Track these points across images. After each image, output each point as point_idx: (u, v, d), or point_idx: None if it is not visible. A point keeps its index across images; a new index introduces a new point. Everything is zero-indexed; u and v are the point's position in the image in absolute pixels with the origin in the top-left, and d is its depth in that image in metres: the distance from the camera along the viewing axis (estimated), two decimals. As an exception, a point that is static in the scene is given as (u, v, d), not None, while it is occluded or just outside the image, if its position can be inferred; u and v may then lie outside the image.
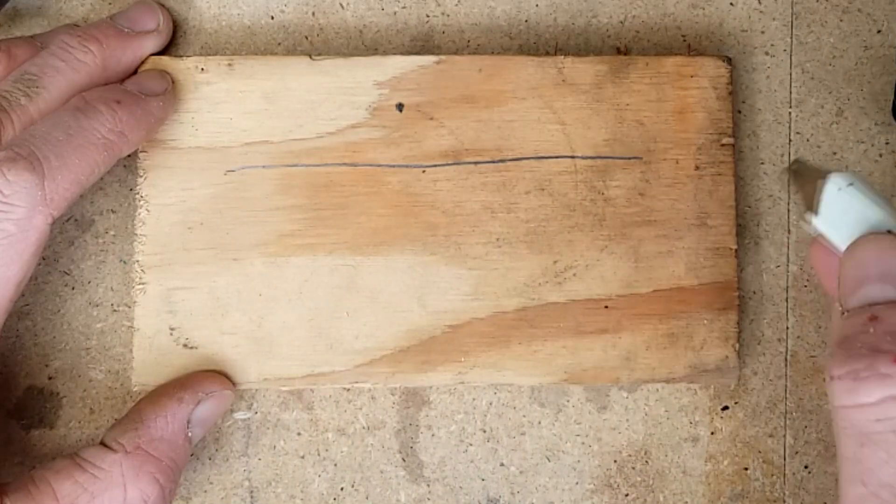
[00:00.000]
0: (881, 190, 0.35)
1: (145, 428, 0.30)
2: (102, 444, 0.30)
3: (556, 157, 0.33)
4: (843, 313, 0.25)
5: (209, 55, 0.34)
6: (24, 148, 0.27)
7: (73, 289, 0.34)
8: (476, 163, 0.33)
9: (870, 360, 0.23)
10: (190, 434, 0.31)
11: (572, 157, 0.33)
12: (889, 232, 0.26)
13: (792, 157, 0.35)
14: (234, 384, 0.32)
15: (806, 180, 0.28)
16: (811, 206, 0.27)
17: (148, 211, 0.33)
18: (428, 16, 0.35)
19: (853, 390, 0.23)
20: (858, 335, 0.24)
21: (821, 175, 0.27)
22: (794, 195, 0.27)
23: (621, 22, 0.35)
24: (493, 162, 0.33)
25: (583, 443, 0.34)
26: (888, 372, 0.23)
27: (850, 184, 0.26)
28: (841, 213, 0.26)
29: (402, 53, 0.35)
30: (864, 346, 0.24)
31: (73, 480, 0.28)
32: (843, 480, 0.24)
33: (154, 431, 0.30)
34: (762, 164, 0.35)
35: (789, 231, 0.35)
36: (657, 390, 0.34)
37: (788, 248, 0.35)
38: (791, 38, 0.35)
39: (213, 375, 0.32)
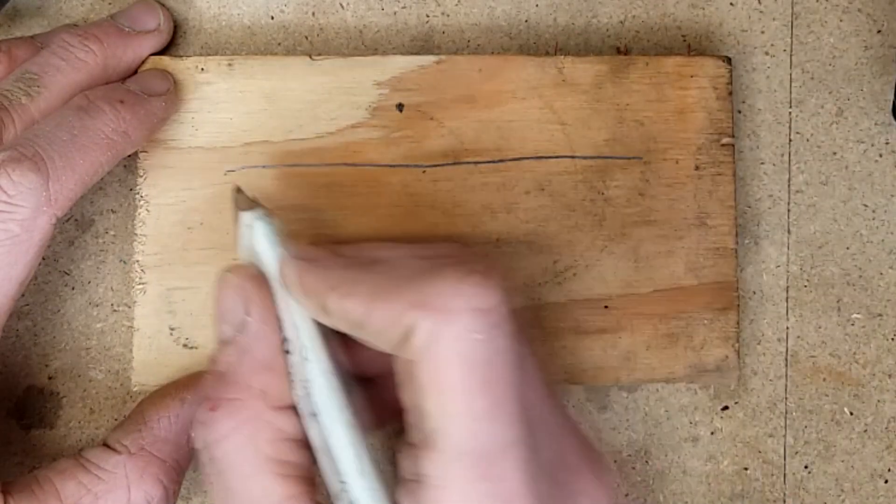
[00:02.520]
0: (881, 190, 0.35)
1: (148, 429, 0.30)
2: (106, 445, 0.30)
3: (556, 157, 0.33)
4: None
5: (209, 55, 0.34)
6: (29, 148, 0.27)
7: (73, 289, 0.34)
8: (476, 163, 0.33)
9: (199, 408, 0.27)
10: (193, 434, 0.31)
11: (572, 157, 0.33)
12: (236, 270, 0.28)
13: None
14: (234, 384, 0.32)
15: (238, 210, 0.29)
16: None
17: (148, 211, 0.33)
18: (428, 16, 0.35)
19: (195, 437, 0.27)
20: (205, 380, 0.27)
21: (243, 208, 0.28)
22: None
23: (621, 22, 0.35)
24: (493, 162, 0.33)
25: (583, 443, 0.34)
26: (204, 419, 0.26)
27: (250, 224, 0.28)
28: (247, 247, 0.28)
29: (402, 53, 0.35)
30: (201, 392, 0.27)
31: (76, 481, 0.28)
32: None
33: (157, 432, 0.30)
34: (762, 164, 0.35)
35: (789, 231, 0.35)
36: (657, 390, 0.34)
37: (788, 248, 0.35)
38: (791, 38, 0.35)
39: (214, 375, 0.32)
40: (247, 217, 0.28)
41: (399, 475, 0.26)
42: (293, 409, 0.27)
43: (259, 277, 0.27)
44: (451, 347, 0.24)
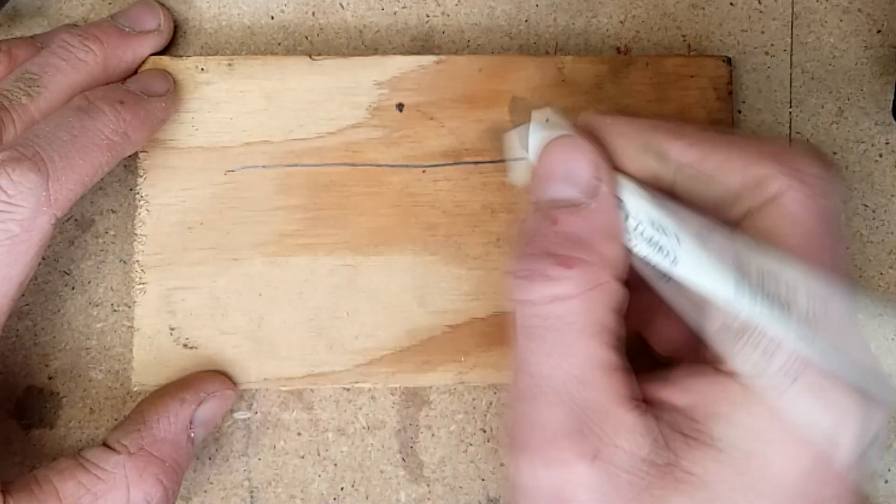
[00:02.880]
0: (881, 190, 0.35)
1: (148, 429, 0.30)
2: (105, 445, 0.30)
3: (557, 157, 0.33)
4: (535, 208, 0.27)
5: (209, 55, 0.34)
6: (29, 148, 0.27)
7: (73, 289, 0.34)
8: (476, 163, 0.33)
9: (543, 261, 0.25)
10: (192, 434, 0.31)
11: (572, 157, 0.33)
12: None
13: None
14: (234, 384, 0.32)
15: (520, 118, 0.29)
16: (525, 145, 0.29)
17: (148, 211, 0.33)
18: (428, 16, 0.35)
19: (524, 288, 0.25)
20: (538, 236, 0.26)
21: (528, 110, 0.28)
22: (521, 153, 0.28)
23: (621, 22, 0.35)
24: (494, 162, 0.33)
25: (583, 443, 0.34)
26: (553, 274, 0.25)
27: (547, 119, 0.28)
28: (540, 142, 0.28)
29: (402, 53, 0.35)
30: (539, 247, 0.26)
31: (76, 481, 0.28)
32: (514, 369, 0.26)
33: (157, 432, 0.30)
34: (762, 164, 0.35)
35: (789, 231, 0.35)
36: (657, 390, 0.34)
37: (788, 248, 0.35)
38: (791, 38, 0.35)
39: (215, 375, 0.32)
40: (539, 114, 0.28)
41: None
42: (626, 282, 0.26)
43: (603, 137, 0.27)
44: (803, 203, 0.25)
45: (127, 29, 0.32)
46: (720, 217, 0.26)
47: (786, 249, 0.24)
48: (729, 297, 0.24)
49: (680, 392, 0.25)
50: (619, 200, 0.26)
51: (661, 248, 0.26)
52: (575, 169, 0.26)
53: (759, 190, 0.25)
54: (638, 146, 0.26)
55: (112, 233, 0.34)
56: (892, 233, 0.35)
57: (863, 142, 0.35)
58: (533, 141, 0.28)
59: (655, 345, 0.30)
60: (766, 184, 0.25)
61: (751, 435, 0.24)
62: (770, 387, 0.24)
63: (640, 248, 0.26)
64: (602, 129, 0.27)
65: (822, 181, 0.25)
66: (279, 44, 0.35)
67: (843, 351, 0.23)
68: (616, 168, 0.27)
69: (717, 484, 0.24)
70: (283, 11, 0.35)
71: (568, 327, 0.25)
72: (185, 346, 0.32)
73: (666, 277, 0.26)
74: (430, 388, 0.34)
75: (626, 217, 0.26)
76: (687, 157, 0.26)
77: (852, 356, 0.23)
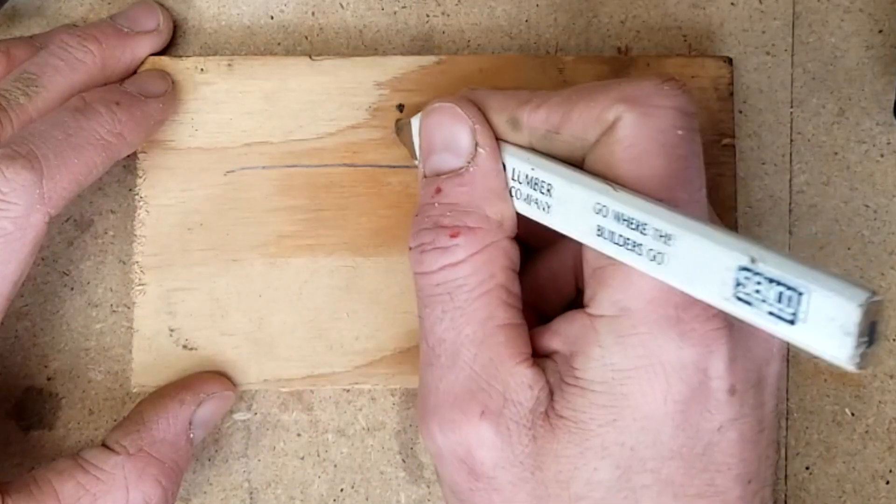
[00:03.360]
0: (883, 190, 0.35)
1: (147, 430, 0.30)
2: (104, 446, 0.30)
3: (557, 158, 0.33)
4: (423, 178, 0.28)
5: (209, 55, 0.34)
6: (24, 146, 0.27)
7: (72, 289, 0.34)
8: (476, 163, 0.33)
9: (433, 234, 0.27)
10: (192, 435, 0.31)
11: (573, 157, 0.33)
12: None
13: (798, 154, 0.35)
14: (234, 385, 0.32)
15: (404, 133, 0.31)
16: (413, 154, 0.30)
17: (147, 212, 0.32)
18: (428, 16, 0.35)
19: (420, 261, 0.27)
20: (426, 207, 0.28)
21: (408, 122, 0.30)
22: (407, 150, 0.30)
23: (622, 22, 0.35)
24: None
25: (583, 444, 0.34)
26: (445, 245, 0.27)
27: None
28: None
29: (402, 53, 0.35)
30: (430, 220, 0.27)
31: (75, 482, 0.28)
32: (419, 341, 0.28)
33: (156, 433, 0.30)
34: (763, 164, 0.35)
35: (790, 232, 0.35)
36: (658, 391, 0.34)
37: (790, 248, 0.35)
38: (792, 37, 0.35)
39: (214, 376, 0.32)
40: (418, 117, 0.29)
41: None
42: (517, 240, 0.28)
43: (478, 108, 0.28)
44: (655, 138, 0.25)
45: (126, 29, 0.32)
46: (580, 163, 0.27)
47: (621, 175, 0.25)
48: (592, 241, 0.25)
49: (558, 338, 0.26)
50: (501, 162, 0.27)
51: (536, 202, 0.27)
52: (453, 136, 0.27)
53: (598, 124, 0.25)
54: (505, 120, 0.27)
55: (111, 233, 0.34)
56: (893, 233, 0.35)
57: (864, 142, 0.35)
58: (416, 125, 0.29)
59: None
60: (603, 116, 0.25)
61: (612, 370, 0.25)
62: (629, 324, 0.24)
63: (519, 206, 0.27)
64: (477, 105, 0.28)
65: (660, 106, 0.25)
66: (279, 44, 0.35)
67: (700, 268, 0.23)
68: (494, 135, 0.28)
69: (587, 422, 0.25)
70: (282, 11, 0.35)
71: (458, 290, 0.27)
72: (184, 347, 0.32)
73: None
74: (431, 389, 0.34)
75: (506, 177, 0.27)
76: (534, 120, 0.27)
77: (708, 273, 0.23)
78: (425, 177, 0.28)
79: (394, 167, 0.33)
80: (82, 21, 0.35)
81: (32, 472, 0.29)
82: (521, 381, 0.26)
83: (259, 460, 0.34)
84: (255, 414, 0.34)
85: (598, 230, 0.25)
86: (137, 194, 0.33)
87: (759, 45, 0.35)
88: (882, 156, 0.35)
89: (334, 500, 0.34)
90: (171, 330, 0.32)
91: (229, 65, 0.33)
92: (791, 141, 0.35)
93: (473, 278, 0.26)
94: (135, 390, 0.32)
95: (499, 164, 0.27)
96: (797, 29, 0.35)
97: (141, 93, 0.31)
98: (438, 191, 0.27)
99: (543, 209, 0.26)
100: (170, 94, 0.32)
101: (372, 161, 0.33)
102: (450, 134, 0.27)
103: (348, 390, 0.34)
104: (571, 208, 0.25)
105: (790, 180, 0.35)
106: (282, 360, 0.32)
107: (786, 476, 0.34)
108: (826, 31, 0.35)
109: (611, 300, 0.25)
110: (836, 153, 0.35)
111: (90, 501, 0.28)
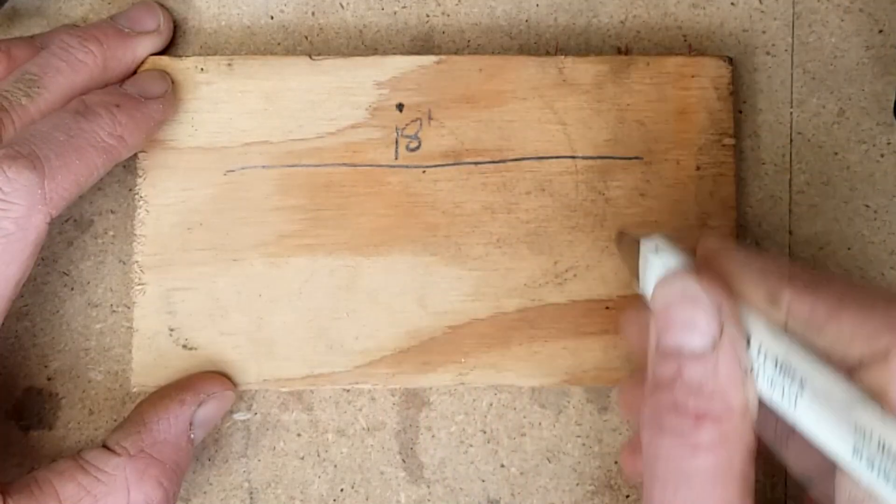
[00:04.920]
0: (883, 190, 0.35)
1: (148, 431, 0.30)
2: (105, 447, 0.30)
3: (557, 158, 0.33)
4: (657, 349, 0.26)
5: (209, 55, 0.34)
6: (25, 147, 0.27)
7: (72, 289, 0.34)
8: (476, 163, 0.33)
9: (674, 416, 0.25)
10: (192, 436, 0.31)
11: (573, 157, 0.33)
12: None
13: (798, 157, 0.35)
14: (234, 385, 0.32)
15: (628, 250, 0.28)
16: (636, 274, 0.28)
17: (147, 211, 0.32)
18: (428, 16, 0.35)
19: (655, 441, 0.26)
20: (666, 386, 0.26)
21: (634, 241, 0.28)
22: (624, 264, 0.28)
23: (622, 22, 0.35)
24: (494, 162, 0.33)
25: (583, 444, 0.34)
26: (687, 432, 0.25)
27: (656, 248, 0.27)
28: (654, 274, 0.27)
29: (402, 53, 0.35)
30: (668, 399, 0.26)
31: (76, 483, 0.28)
32: None
33: (157, 434, 0.30)
34: (763, 164, 0.35)
35: (791, 232, 0.35)
36: (658, 391, 0.34)
37: (790, 248, 0.35)
38: (792, 37, 0.35)
39: (215, 376, 0.32)
40: (648, 244, 0.27)
41: None
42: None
43: (727, 288, 0.26)
44: None
45: (126, 30, 0.32)
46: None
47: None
48: (845, 457, 0.23)
49: None
50: (745, 342, 0.25)
51: (782, 391, 0.25)
52: (695, 318, 0.25)
53: (869, 344, 0.24)
54: (761, 290, 0.26)
55: (111, 233, 0.34)
56: (893, 233, 0.35)
57: (864, 142, 0.35)
58: (647, 275, 0.27)
59: (790, 464, 0.29)
60: (877, 338, 0.24)
61: None
62: None
63: (762, 387, 0.25)
64: (729, 267, 0.26)
65: None
66: (279, 44, 0.35)
67: None
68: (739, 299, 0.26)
69: None
70: (282, 11, 0.35)
71: (697, 476, 0.25)
72: (184, 346, 0.32)
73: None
74: (430, 389, 0.34)
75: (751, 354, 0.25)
76: (800, 303, 0.25)
77: None
78: (659, 346, 0.26)
79: (394, 167, 0.33)
80: (82, 21, 0.35)
81: (33, 472, 0.29)
82: None
83: (259, 460, 0.34)
84: (255, 414, 0.34)
85: (855, 451, 0.23)
86: (137, 194, 0.33)
87: (759, 44, 0.35)
88: (882, 156, 0.35)
89: (334, 500, 0.34)
90: (171, 330, 0.32)
91: (229, 65, 0.33)
92: (791, 141, 0.35)
93: (715, 467, 0.25)
94: (135, 390, 0.32)
95: (744, 344, 0.25)
96: (797, 29, 0.35)
97: (141, 94, 0.31)
98: (679, 370, 0.25)
99: (790, 402, 0.24)
100: (170, 94, 0.32)
101: (372, 161, 0.33)
102: (692, 314, 0.26)
103: (348, 390, 0.34)
104: (825, 415, 0.23)
105: (790, 180, 0.35)
106: (282, 359, 0.32)
107: (786, 476, 0.34)
108: (826, 31, 0.35)
109: None
110: (836, 153, 0.35)
111: (91, 502, 0.28)
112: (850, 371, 0.24)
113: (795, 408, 0.24)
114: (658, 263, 0.27)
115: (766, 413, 0.26)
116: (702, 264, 0.27)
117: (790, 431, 0.28)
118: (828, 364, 0.24)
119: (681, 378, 0.26)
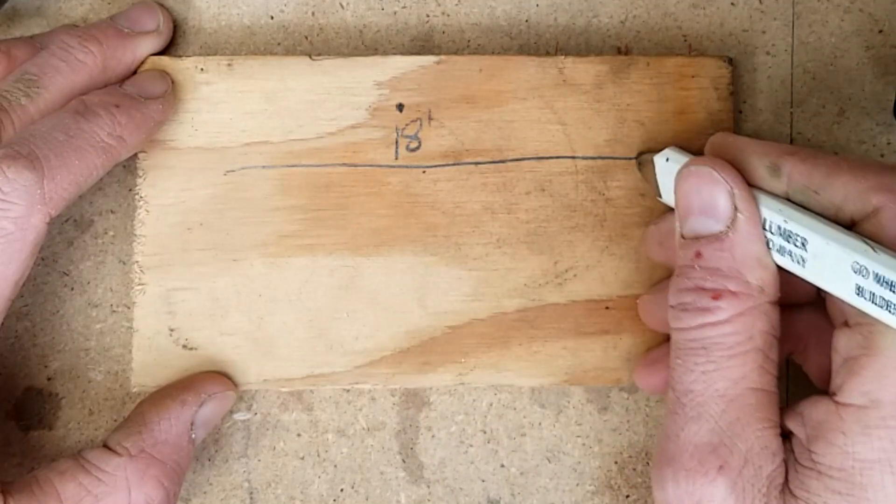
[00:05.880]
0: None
1: (149, 431, 0.30)
2: (106, 447, 0.30)
3: (557, 158, 0.33)
4: (681, 238, 0.28)
5: (209, 55, 0.34)
6: (24, 147, 0.28)
7: (72, 289, 0.34)
8: (476, 163, 0.33)
9: (694, 294, 0.27)
10: (193, 436, 0.31)
11: (573, 157, 0.33)
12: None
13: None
14: (235, 385, 0.32)
15: (646, 168, 0.31)
16: (657, 191, 0.31)
17: (147, 211, 0.32)
18: (428, 16, 0.35)
19: (679, 318, 0.28)
20: (687, 270, 0.28)
21: (650, 159, 0.30)
22: (647, 184, 0.31)
23: (622, 22, 0.35)
24: (494, 162, 0.33)
25: (583, 444, 0.34)
26: (707, 306, 0.27)
27: (667, 157, 0.30)
28: (669, 179, 0.29)
29: (402, 53, 0.35)
30: (690, 282, 0.27)
31: (77, 483, 0.28)
32: (668, 388, 0.28)
33: (158, 434, 0.30)
34: (763, 164, 0.35)
35: (790, 231, 0.35)
36: (658, 391, 0.34)
37: (790, 248, 0.35)
38: (792, 37, 0.35)
39: (216, 377, 0.32)
40: (660, 156, 0.30)
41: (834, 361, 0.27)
42: (779, 307, 0.28)
43: (735, 164, 0.28)
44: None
45: (126, 30, 0.32)
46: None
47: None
48: (851, 299, 0.25)
49: (799, 420, 0.27)
50: (760, 225, 0.27)
51: (790, 254, 0.27)
52: (711, 201, 0.27)
53: (860, 203, 0.26)
54: (766, 165, 0.28)
55: (111, 233, 0.34)
56: (893, 233, 0.35)
57: (864, 142, 0.35)
58: (662, 181, 0.30)
59: (810, 373, 0.31)
60: (867, 198, 0.26)
61: (853, 459, 0.25)
62: (878, 416, 0.25)
63: (774, 257, 0.27)
64: (735, 150, 0.28)
65: None
66: (279, 44, 0.35)
67: None
68: (749, 184, 0.28)
69: None
70: (282, 11, 0.35)
71: (715, 346, 0.27)
72: (184, 346, 0.32)
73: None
74: (430, 389, 0.34)
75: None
76: (798, 172, 0.27)
77: None
78: (683, 237, 0.28)
79: (394, 167, 0.33)
80: (82, 21, 0.35)
81: (34, 472, 0.29)
82: (766, 445, 0.26)
83: (259, 460, 0.34)
84: (255, 414, 0.34)
85: (858, 289, 0.25)
86: (137, 194, 0.33)
87: (759, 45, 0.35)
88: (882, 156, 0.35)
89: (334, 501, 0.34)
90: (171, 330, 0.32)
91: (229, 65, 0.33)
92: (791, 141, 0.35)
93: (732, 338, 0.27)
94: (135, 390, 0.32)
95: (758, 227, 0.27)
96: (797, 29, 0.35)
97: (140, 94, 0.31)
98: (698, 254, 0.27)
99: (798, 262, 0.27)
100: (169, 94, 0.32)
101: (372, 161, 0.33)
102: (708, 198, 0.27)
103: (348, 390, 0.34)
104: (827, 264, 0.26)
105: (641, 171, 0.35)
106: (282, 359, 0.32)
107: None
108: (826, 31, 0.35)
109: (861, 390, 0.25)
110: (836, 153, 0.35)
111: (92, 503, 0.28)
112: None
113: (804, 267, 0.26)
114: (672, 168, 0.29)
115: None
116: (711, 156, 0.29)
117: (810, 339, 0.30)
118: (825, 221, 0.26)
119: (699, 261, 0.27)
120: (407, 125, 0.33)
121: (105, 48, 0.31)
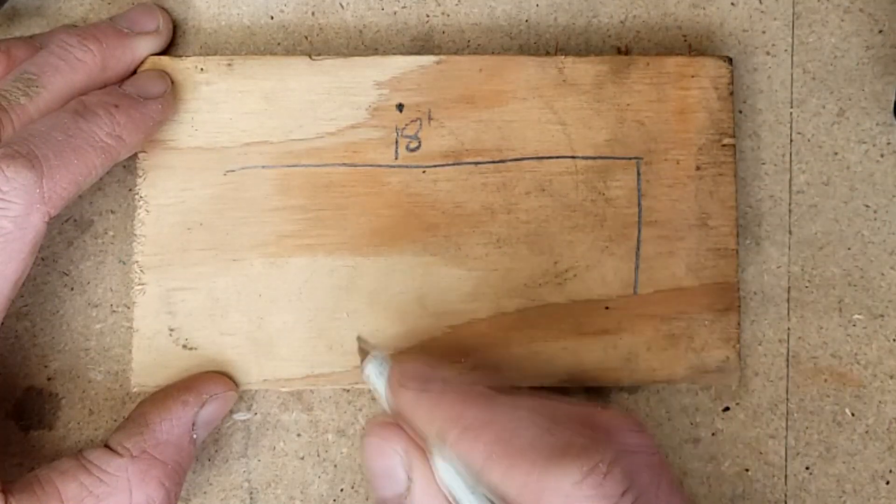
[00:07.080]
0: (883, 190, 0.35)
1: (150, 432, 0.30)
2: (107, 447, 0.29)
3: (557, 158, 0.33)
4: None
5: (209, 55, 0.34)
6: (24, 146, 0.28)
7: (72, 289, 0.34)
8: (476, 163, 0.33)
9: None
10: (195, 436, 0.31)
11: (573, 157, 0.33)
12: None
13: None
14: (236, 385, 0.32)
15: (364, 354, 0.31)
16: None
17: (147, 211, 0.32)
18: (428, 16, 0.35)
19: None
20: None
21: (367, 352, 0.30)
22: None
23: (622, 22, 0.35)
24: (494, 162, 0.33)
25: (583, 444, 0.34)
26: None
27: (381, 362, 0.29)
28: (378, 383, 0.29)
29: (402, 53, 0.35)
30: None
31: (78, 483, 0.28)
32: None
33: (159, 435, 0.30)
34: (763, 164, 0.35)
35: (790, 232, 0.35)
36: (658, 391, 0.34)
37: (789, 248, 0.35)
38: (792, 37, 0.35)
39: (217, 377, 0.32)
40: (366, 366, 0.29)
41: None
42: None
43: (414, 439, 0.28)
44: None
45: (126, 30, 0.32)
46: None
47: None
48: None
49: None
50: (436, 484, 0.27)
51: None
52: (388, 470, 0.28)
53: (520, 500, 0.25)
54: (433, 430, 0.27)
55: (111, 233, 0.34)
56: (893, 233, 0.35)
57: (864, 142, 0.35)
58: (377, 385, 0.29)
59: None
60: (523, 499, 0.25)
61: None
62: None
63: None
64: (411, 413, 0.28)
65: None
66: (279, 44, 0.35)
67: None
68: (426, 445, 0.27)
69: None
70: (282, 11, 0.35)
71: None
72: (184, 346, 0.32)
73: None
74: (431, 389, 0.34)
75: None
76: (460, 448, 0.26)
77: None
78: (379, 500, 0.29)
79: (394, 167, 0.33)
80: (82, 21, 0.35)
81: (35, 471, 0.29)
82: None
83: (259, 460, 0.34)
84: (255, 414, 0.34)
85: None
86: (137, 194, 0.33)
87: (759, 45, 0.35)
88: (882, 156, 0.35)
89: (334, 501, 0.34)
90: (171, 330, 0.32)
91: (229, 65, 0.33)
92: (791, 141, 0.35)
93: None
94: (135, 390, 0.32)
95: (434, 487, 0.27)
96: (797, 29, 0.35)
97: (140, 94, 0.31)
98: None
99: None
100: (169, 94, 0.32)
101: (372, 161, 0.33)
102: (384, 467, 0.28)
103: (348, 390, 0.34)
104: None
105: (790, 180, 0.35)
106: (282, 359, 0.32)
107: (786, 476, 0.34)
108: (826, 31, 0.35)
109: None
110: (836, 153, 0.35)
111: (93, 503, 0.28)
112: None
113: None
114: (379, 382, 0.29)
115: None
116: (396, 415, 0.28)
117: None
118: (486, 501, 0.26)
119: None
120: (407, 125, 0.33)
121: (104, 48, 0.31)
